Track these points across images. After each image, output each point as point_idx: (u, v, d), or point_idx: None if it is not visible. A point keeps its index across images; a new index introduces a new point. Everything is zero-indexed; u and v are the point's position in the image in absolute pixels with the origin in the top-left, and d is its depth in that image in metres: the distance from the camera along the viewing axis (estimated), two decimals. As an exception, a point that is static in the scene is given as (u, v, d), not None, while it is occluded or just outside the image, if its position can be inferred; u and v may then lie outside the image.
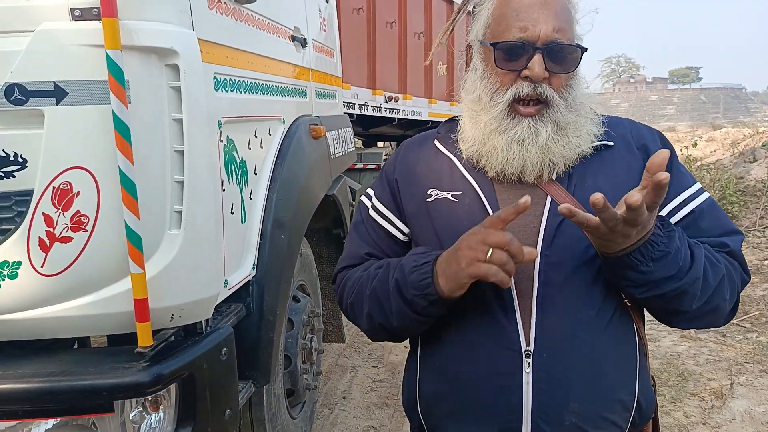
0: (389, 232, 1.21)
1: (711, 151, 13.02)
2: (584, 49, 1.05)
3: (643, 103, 75.38)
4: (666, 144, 1.14)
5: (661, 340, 4.24)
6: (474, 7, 1.15)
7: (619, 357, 1.08)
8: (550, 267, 1.04)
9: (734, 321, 4.52)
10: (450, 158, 1.15)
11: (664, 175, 0.84)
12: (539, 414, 1.02)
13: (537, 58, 1.01)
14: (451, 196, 1.11)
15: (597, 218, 0.91)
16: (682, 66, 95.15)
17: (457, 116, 1.22)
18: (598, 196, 0.86)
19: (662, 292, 0.99)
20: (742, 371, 3.70)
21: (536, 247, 1.04)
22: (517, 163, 1.05)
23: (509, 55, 1.03)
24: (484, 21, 1.10)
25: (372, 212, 1.23)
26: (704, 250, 1.04)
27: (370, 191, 1.26)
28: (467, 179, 1.11)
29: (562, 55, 1.03)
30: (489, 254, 0.92)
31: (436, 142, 1.20)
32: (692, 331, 4.35)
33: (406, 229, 1.20)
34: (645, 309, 1.12)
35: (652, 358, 3.93)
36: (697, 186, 1.13)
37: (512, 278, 1.01)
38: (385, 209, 1.21)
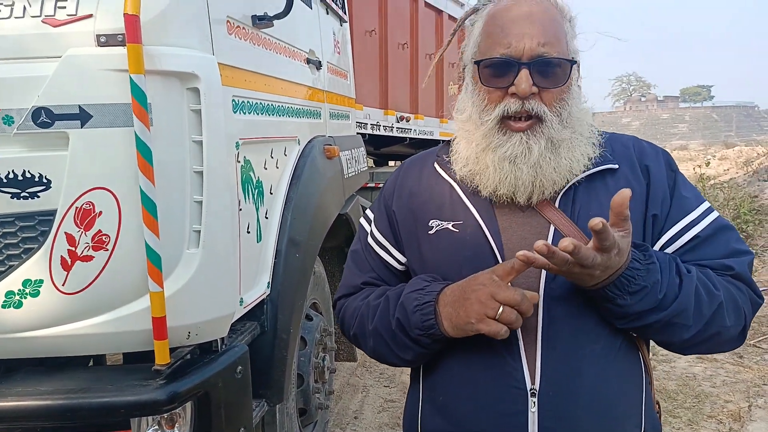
0: (386, 261, 1.19)
1: (724, 170, 12.94)
2: (573, 62, 1.02)
3: (655, 121, 75.17)
4: (671, 165, 1.11)
5: (677, 361, 4.18)
6: (471, 24, 1.14)
7: (625, 389, 1.05)
8: (554, 301, 1.01)
9: (751, 342, 4.45)
10: (450, 183, 1.12)
11: (596, 221, 0.83)
12: None
13: (523, 74, 0.98)
14: (452, 226, 1.08)
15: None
16: (693, 84, 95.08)
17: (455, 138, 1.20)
18: (539, 244, 0.85)
19: (645, 323, 0.98)
20: (761, 393, 3.63)
21: (539, 281, 1.01)
22: (509, 182, 1.02)
23: (495, 72, 1.01)
24: (475, 40, 1.08)
25: (370, 240, 1.21)
26: (702, 276, 1.01)
27: (370, 215, 1.24)
28: (467, 207, 1.08)
29: (551, 69, 1.00)
30: (500, 311, 0.92)
31: (436, 166, 1.16)
32: (708, 352, 4.29)
33: (403, 259, 1.18)
34: None
35: (667, 379, 3.87)
36: (703, 207, 1.08)
37: None
38: (382, 238, 1.19)
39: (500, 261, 1.02)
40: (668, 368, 4.05)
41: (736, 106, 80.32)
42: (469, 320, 0.95)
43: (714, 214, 1.08)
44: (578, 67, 1.07)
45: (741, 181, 9.71)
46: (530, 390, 1.00)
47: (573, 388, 1.00)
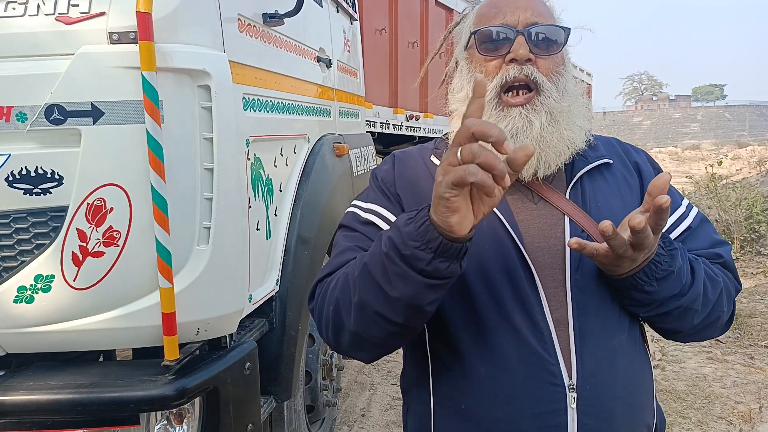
0: None
1: (737, 170, 12.83)
2: (567, 29, 1.04)
3: (666, 120, 74.55)
4: (654, 164, 1.14)
5: (687, 361, 4.16)
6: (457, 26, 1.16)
7: (644, 379, 1.06)
8: (581, 293, 1.00)
9: (762, 343, 4.41)
10: None
11: (665, 199, 0.83)
12: None
13: (519, 39, 1.00)
14: None
15: (605, 246, 0.90)
16: (706, 83, 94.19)
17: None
18: (606, 224, 0.85)
19: (666, 310, 0.98)
20: (772, 396, 3.60)
21: (564, 274, 1.00)
22: None
23: (491, 41, 1.02)
24: (467, 31, 1.09)
25: (372, 217, 1.07)
26: (703, 264, 1.03)
27: (360, 203, 1.11)
28: None
29: (546, 37, 1.02)
30: (458, 153, 0.76)
31: (435, 159, 1.11)
32: (719, 352, 4.26)
33: None
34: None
35: (677, 379, 3.85)
36: (686, 202, 1.13)
37: (546, 306, 0.98)
38: (390, 215, 1.06)
39: (523, 251, 1.00)
40: (678, 369, 4.03)
41: (749, 106, 79.40)
42: (437, 181, 0.79)
43: (695, 208, 1.13)
44: (568, 53, 1.09)
45: (754, 181, 9.60)
46: (568, 385, 0.97)
47: (609, 381, 0.99)
